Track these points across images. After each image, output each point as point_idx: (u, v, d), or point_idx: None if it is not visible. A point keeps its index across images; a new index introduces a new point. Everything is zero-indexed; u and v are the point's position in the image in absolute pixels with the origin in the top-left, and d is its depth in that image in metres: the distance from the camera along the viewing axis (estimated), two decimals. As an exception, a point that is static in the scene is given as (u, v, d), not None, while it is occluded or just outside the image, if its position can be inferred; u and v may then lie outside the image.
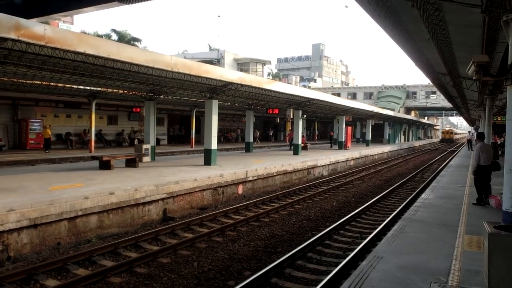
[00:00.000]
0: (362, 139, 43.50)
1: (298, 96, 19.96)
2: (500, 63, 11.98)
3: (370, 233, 9.21)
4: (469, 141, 41.66)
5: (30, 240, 7.58)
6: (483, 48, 10.54)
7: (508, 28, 6.42)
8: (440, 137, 79.70)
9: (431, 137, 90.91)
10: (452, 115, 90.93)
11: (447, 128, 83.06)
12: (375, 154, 31.79)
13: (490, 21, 8.36)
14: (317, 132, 55.10)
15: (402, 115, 50.30)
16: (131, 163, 14.67)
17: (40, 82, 15.51)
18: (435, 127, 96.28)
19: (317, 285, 6.05)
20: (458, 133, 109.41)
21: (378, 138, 42.91)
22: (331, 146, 33.26)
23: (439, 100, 57.73)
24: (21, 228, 7.40)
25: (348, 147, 31.44)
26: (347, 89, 78.07)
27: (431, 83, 35.57)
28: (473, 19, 9.03)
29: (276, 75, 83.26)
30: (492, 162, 9.74)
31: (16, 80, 15.01)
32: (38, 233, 7.71)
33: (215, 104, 15.82)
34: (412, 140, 61.11)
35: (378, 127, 42.96)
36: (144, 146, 17.05)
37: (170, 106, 30.79)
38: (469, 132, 56.99)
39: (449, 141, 72.28)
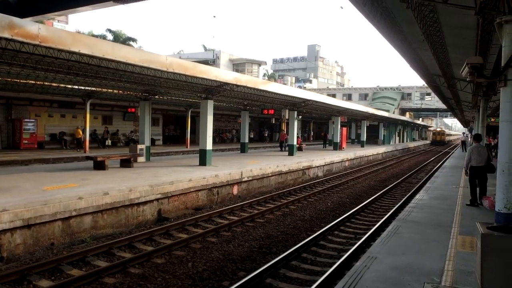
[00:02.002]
0: (357, 140, 43.60)
1: (294, 97, 19.98)
2: (493, 65, 12.06)
3: (365, 233, 9.24)
4: (463, 142, 41.86)
5: (24, 241, 7.53)
6: (477, 50, 10.63)
7: (502, 30, 6.46)
8: (431, 139, 73.73)
9: (426, 138, 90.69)
10: (446, 117, 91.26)
11: (438, 129, 77.66)
12: (370, 155, 31.90)
13: (484, 23, 8.42)
14: (312, 132, 55.21)
15: (397, 116, 50.50)
16: (126, 163, 14.61)
17: (34, 82, 15.41)
18: (429, 129, 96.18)
19: (311, 285, 6.06)
20: (452, 134, 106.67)
21: (373, 139, 43.01)
22: (324, 147, 33.44)
23: (433, 101, 58.02)
24: (14, 229, 7.35)
25: (343, 148, 31.51)
26: (342, 90, 78.28)
27: (425, 85, 35.74)
28: (467, 21, 9.10)
29: (272, 75, 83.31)
30: (487, 164, 9.79)
31: (9, 79, 14.90)
32: (31, 233, 7.66)
33: (210, 104, 15.80)
34: (406, 141, 61.34)
35: (373, 128, 43.08)
36: (139, 146, 16.99)
37: (165, 106, 30.72)
38: (463, 133, 57.17)
39: (440, 143, 67.64)
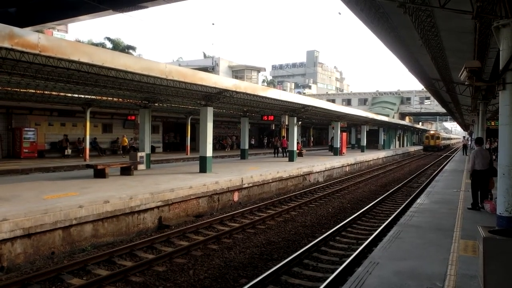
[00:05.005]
0: (357, 145, 43.61)
1: (293, 102, 20.02)
2: (492, 68, 12.11)
3: (366, 239, 9.21)
4: (465, 146, 41.88)
5: (24, 250, 7.50)
6: (475, 54, 10.66)
7: (499, 34, 6.49)
8: (423, 144, 61.71)
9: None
10: (446, 120, 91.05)
11: (431, 131, 67.30)
12: (370, 160, 31.87)
13: (481, 27, 8.47)
14: (312, 138, 55.24)
15: (396, 120, 50.52)
16: (126, 171, 14.61)
17: (34, 91, 15.44)
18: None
19: (313, 292, 6.03)
20: (452, 138, 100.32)
21: (373, 144, 43.01)
22: (330, 150, 33.61)
23: (433, 105, 58.10)
24: (14, 238, 7.32)
25: (344, 153, 31.51)
26: (342, 95, 78.38)
27: (425, 89, 35.82)
28: (465, 25, 9.15)
29: (271, 82, 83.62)
30: (491, 167, 9.75)
31: (10, 88, 14.93)
32: (32, 242, 7.64)
33: (210, 111, 15.83)
34: (406, 145, 61.29)
35: (373, 133, 43.11)
36: (139, 154, 17.00)
37: (165, 113, 30.78)
38: (464, 137, 56.95)
39: (434, 148, 57.21)
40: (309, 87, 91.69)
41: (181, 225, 10.72)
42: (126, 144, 27.96)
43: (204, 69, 42.83)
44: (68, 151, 25.94)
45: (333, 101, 61.68)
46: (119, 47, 46.67)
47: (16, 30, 7.62)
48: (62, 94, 16.57)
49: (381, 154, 35.84)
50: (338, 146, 30.46)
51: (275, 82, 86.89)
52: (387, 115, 49.26)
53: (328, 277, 6.56)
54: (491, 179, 9.75)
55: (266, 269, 7.19)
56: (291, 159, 23.04)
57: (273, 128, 35.44)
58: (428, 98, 58.94)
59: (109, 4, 14.03)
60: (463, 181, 15.88)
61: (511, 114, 6.47)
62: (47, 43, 8.16)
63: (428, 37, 10.76)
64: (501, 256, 4.31)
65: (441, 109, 47.04)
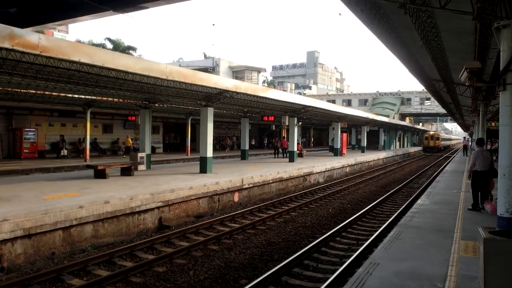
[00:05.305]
0: (357, 145, 43.61)
1: (293, 103, 20.02)
2: (492, 69, 12.12)
3: (367, 239, 9.20)
4: (465, 147, 41.88)
5: (24, 250, 7.50)
6: (476, 55, 10.66)
7: (500, 34, 6.49)
8: (423, 144, 60.99)
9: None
10: (446, 121, 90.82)
11: (431, 132, 66.26)
12: (371, 161, 31.87)
13: (482, 27, 8.47)
14: (312, 139, 55.23)
15: (397, 121, 50.47)
16: (127, 171, 14.61)
17: (34, 91, 15.44)
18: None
19: (314, 292, 6.02)
20: (452, 139, 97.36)
21: (373, 144, 42.99)
22: (330, 151, 33.60)
23: (433, 106, 58.05)
24: (15, 238, 7.33)
25: (344, 153, 31.50)
26: (342, 96, 78.37)
27: (425, 90, 35.82)
28: (465, 26, 9.15)
29: (271, 82, 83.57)
30: (491, 168, 9.74)
31: (10, 89, 14.93)
32: (32, 243, 7.64)
33: (210, 111, 15.83)
34: (407, 146, 61.23)
35: (373, 134, 43.06)
36: (139, 154, 17.00)
37: (166, 114, 30.78)
38: (464, 137, 56.82)
39: (434, 149, 56.86)
40: (310, 88, 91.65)
41: (181, 225, 10.72)
42: (129, 144, 28.05)
43: (205, 69, 42.84)
44: (64, 152, 25.26)
45: (333, 101, 61.64)
46: (119, 47, 46.64)
47: (17, 30, 7.62)
48: (62, 94, 16.57)
49: (381, 155, 35.84)
50: (339, 147, 30.45)
51: (275, 82, 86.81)
52: (388, 116, 49.21)
53: (329, 278, 6.56)
54: (491, 180, 9.75)
55: (267, 270, 7.18)
56: (291, 160, 23.03)
57: (274, 128, 35.40)
58: (428, 99, 58.85)
59: (110, 5, 14.04)
60: (464, 182, 15.87)
61: (512, 115, 6.46)
62: (48, 43, 8.16)
63: (429, 37, 10.77)
64: (502, 257, 4.30)
65: (442, 110, 47.01)
